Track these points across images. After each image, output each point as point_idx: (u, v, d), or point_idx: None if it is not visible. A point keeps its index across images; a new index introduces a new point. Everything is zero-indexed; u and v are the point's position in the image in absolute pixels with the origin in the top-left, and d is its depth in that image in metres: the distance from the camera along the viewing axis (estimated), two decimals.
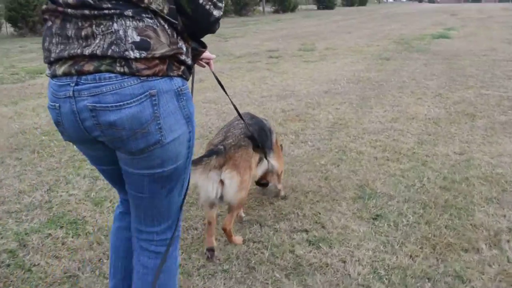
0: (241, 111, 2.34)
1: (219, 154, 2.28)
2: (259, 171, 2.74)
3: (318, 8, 44.57)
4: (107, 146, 1.40)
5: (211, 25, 1.39)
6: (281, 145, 3.12)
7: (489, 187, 3.22)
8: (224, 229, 2.49)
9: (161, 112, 1.30)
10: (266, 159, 2.69)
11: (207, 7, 1.33)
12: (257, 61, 9.93)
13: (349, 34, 15.96)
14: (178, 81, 1.34)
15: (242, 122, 2.44)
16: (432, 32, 15.61)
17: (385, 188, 3.24)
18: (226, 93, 2.00)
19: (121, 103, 1.25)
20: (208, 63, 1.86)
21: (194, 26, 1.37)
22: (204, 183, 2.26)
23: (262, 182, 3.05)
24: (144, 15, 1.25)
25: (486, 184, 3.28)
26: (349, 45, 12.59)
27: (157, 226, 1.56)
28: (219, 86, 1.94)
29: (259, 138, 2.55)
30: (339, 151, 4.04)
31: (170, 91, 1.31)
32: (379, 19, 25.99)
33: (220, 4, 1.36)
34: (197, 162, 2.19)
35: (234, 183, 2.30)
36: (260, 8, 37.82)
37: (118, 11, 1.23)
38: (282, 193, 3.12)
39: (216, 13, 1.36)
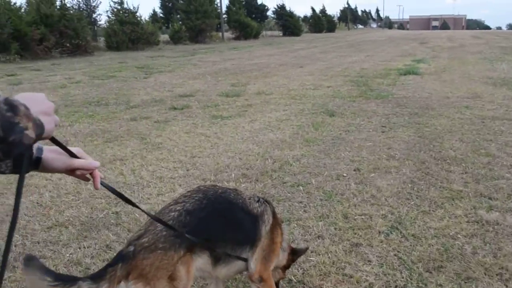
0: None
1: (125, 260, 1.59)
2: (222, 272, 1.83)
3: (284, 35, 42.38)
4: None
5: None
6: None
7: None
8: None
9: None
10: (233, 257, 1.83)
11: None
12: (147, 116, 6.77)
13: (300, 69, 13.05)
14: None
15: (177, 208, 1.75)
16: (398, 66, 12.88)
17: None
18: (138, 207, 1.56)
19: None
20: (92, 174, 1.26)
21: None
22: None
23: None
24: None
25: None
26: (291, 86, 9.60)
27: None
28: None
29: (209, 231, 1.75)
30: None
31: None
32: (344, 47, 23.44)
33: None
34: (100, 275, 1.52)
35: None
36: (220, 34, 35.19)
37: None
38: None
39: None
